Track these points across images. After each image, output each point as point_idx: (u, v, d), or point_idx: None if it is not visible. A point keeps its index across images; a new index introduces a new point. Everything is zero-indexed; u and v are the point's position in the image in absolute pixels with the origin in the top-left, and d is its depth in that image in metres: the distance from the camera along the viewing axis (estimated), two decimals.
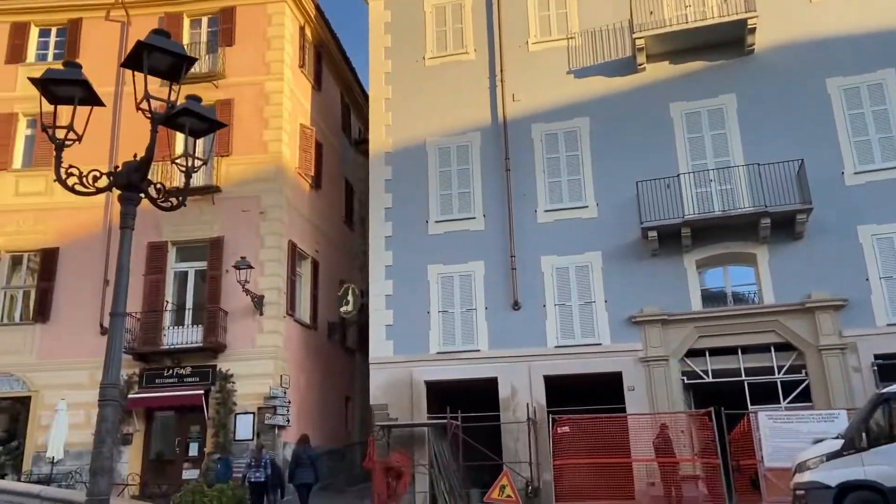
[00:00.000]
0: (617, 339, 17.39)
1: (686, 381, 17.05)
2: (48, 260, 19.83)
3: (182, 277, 20.07)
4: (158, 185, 6.27)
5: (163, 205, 6.33)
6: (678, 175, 17.72)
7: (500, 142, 19.62)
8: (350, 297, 21.24)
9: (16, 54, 21.30)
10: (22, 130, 21.03)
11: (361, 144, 27.16)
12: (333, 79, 25.61)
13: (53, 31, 21.81)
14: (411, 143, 20.34)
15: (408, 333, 18.60)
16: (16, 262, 20.21)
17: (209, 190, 20.01)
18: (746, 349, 16.85)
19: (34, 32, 21.64)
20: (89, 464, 17.14)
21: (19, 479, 16.90)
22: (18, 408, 18.98)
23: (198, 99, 6.53)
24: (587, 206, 18.75)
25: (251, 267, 18.62)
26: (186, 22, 21.69)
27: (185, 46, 18.98)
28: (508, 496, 15.37)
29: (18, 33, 21.42)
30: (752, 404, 16.20)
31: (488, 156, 19.65)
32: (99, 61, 19.53)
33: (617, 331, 17.44)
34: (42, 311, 19.43)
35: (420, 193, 19.77)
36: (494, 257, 18.76)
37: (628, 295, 17.49)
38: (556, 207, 18.85)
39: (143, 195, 6.11)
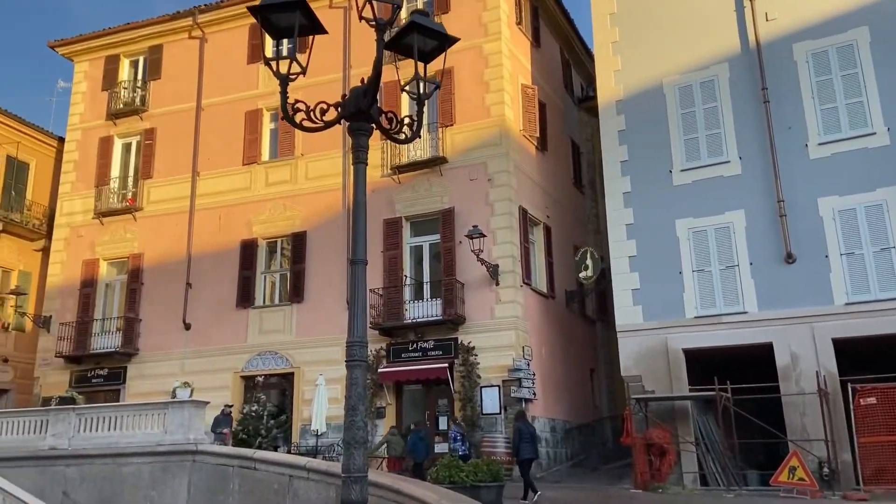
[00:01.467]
0: None
1: None
2: (298, 243, 20.92)
3: (417, 252, 20.07)
4: (390, 114, 5.33)
5: (396, 136, 5.40)
6: None
7: (753, 71, 16.87)
8: (589, 262, 19.78)
9: (255, 53, 22.73)
10: (267, 125, 22.42)
11: (585, 102, 25.45)
12: (552, 34, 24.14)
13: None
14: (645, 86, 18.28)
15: (658, 297, 16.72)
16: (271, 247, 21.63)
17: (436, 162, 19.72)
18: None
19: None
20: (381, 442, 17.79)
21: (289, 451, 17.93)
22: (284, 383, 20.29)
23: (425, 13, 5.50)
24: (874, 133, 15.46)
25: (483, 235, 17.95)
26: None
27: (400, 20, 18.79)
28: (801, 479, 13.00)
29: (256, 34, 22.83)
30: None
31: (740, 89, 17.01)
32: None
33: None
34: (296, 292, 20.55)
35: (660, 141, 17.69)
36: (757, 204, 16.16)
37: None
38: (834, 138, 15.76)
39: (373, 125, 5.19)
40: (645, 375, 16.61)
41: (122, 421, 13.52)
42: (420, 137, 5.82)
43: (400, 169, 20.08)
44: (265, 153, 22.16)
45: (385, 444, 16.78)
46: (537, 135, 20.95)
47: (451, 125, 19.99)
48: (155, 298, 21.78)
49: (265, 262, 21.53)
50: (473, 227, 17.99)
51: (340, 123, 5.18)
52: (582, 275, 20.22)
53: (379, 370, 18.61)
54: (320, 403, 18.22)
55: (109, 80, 24.06)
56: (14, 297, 22.97)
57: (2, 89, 63.30)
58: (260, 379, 20.02)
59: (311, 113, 5.11)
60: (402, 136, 5.40)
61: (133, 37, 23.89)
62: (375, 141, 21.10)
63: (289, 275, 20.96)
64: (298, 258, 20.81)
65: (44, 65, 67.41)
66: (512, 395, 17.37)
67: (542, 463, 17.90)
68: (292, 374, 20.08)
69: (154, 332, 21.53)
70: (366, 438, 4.75)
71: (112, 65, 24.23)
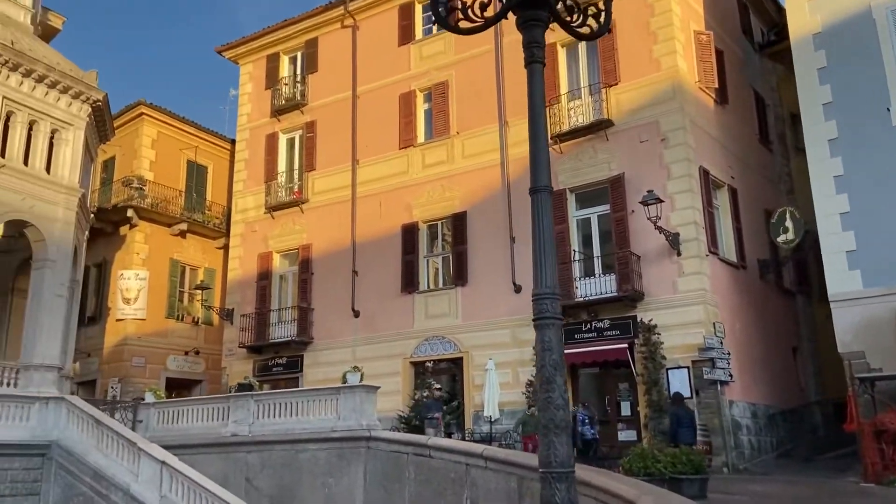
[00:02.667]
0: None
1: None
2: (459, 224, 20.22)
3: (584, 225, 18.61)
4: (569, 1, 4.09)
5: (579, 31, 4.15)
6: None
7: None
8: (789, 223, 17.25)
9: (406, 35, 22.32)
10: (420, 106, 21.93)
11: (768, 48, 22.50)
12: None
13: None
14: (848, 14, 15.58)
15: (882, 259, 14.10)
16: (432, 230, 21.13)
17: (601, 126, 18.13)
18: None
19: (419, 10, 22.41)
20: (518, 422, 16.86)
21: (463, 438, 17.26)
22: (454, 368, 19.71)
23: None
24: None
25: (660, 201, 16.15)
26: None
27: None
28: None
29: (405, 14, 22.42)
30: None
31: None
32: None
33: None
34: (460, 274, 19.87)
35: (873, 76, 15.00)
36: None
37: None
38: None
39: (549, 15, 3.98)
40: (869, 351, 14.08)
41: (297, 407, 13.48)
42: (609, 32, 4.45)
43: (561, 137, 18.70)
44: (420, 135, 21.69)
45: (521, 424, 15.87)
46: (715, 86, 18.63)
47: (615, 84, 18.29)
48: (325, 287, 22.09)
49: (427, 246, 21.06)
50: (648, 192, 16.26)
51: (507, 17, 4.01)
52: (781, 239, 17.70)
53: None
54: (491, 388, 17.40)
55: (271, 78, 24.78)
56: (200, 292, 24.36)
57: (177, 97, 69.61)
58: (429, 364, 19.56)
59: (469, 10, 4.00)
60: (587, 31, 4.14)
61: (290, 33, 24.40)
62: None
63: (451, 257, 20.33)
64: (460, 240, 20.11)
65: (215, 70, 73.13)
66: (704, 376, 15.46)
67: (745, 453, 15.83)
68: (461, 358, 19.43)
69: (326, 321, 21.83)
70: (568, 421, 3.59)
71: (273, 63, 24.95)
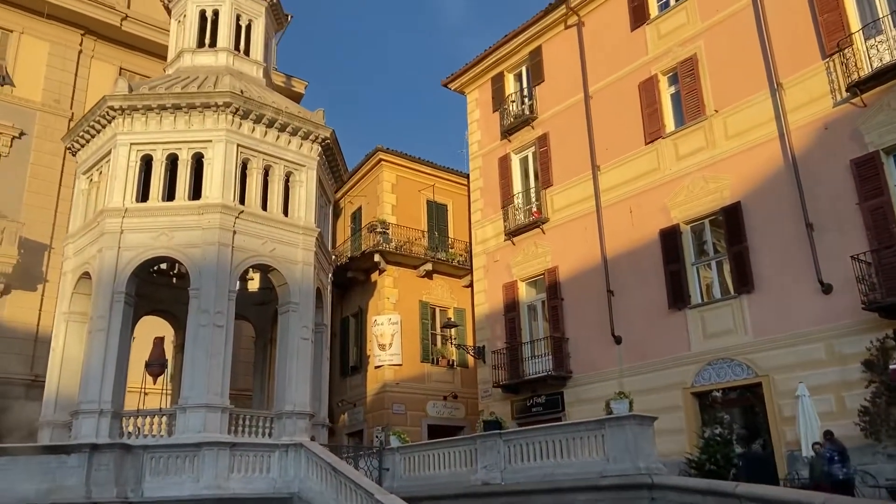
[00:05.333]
0: None
1: None
2: (732, 219, 16.51)
3: None
4: None
5: None
6: None
7: None
8: None
9: (638, 16, 19.51)
10: (665, 90, 18.80)
11: None
12: None
13: None
14: None
15: None
16: (697, 231, 17.61)
17: None
18: None
19: None
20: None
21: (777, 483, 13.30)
22: (750, 397, 15.74)
23: None
24: None
25: None
26: None
27: None
28: None
29: None
30: None
31: None
32: None
33: None
34: (742, 279, 16.04)
35: None
36: None
37: None
38: None
39: None
40: None
41: (555, 447, 10.98)
42: None
43: (861, 86, 14.38)
44: (669, 123, 18.49)
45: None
46: None
47: None
48: (577, 313, 19.52)
49: (694, 251, 17.54)
50: None
51: None
52: None
53: (891, 367, 12.86)
54: (808, 421, 13.36)
55: (498, 99, 23.42)
56: (451, 332, 23.23)
57: (409, 138, 72.98)
58: (717, 394, 15.89)
59: None
60: None
61: (512, 48, 22.91)
62: (816, 63, 15.75)
63: (727, 260, 16.60)
64: (736, 237, 16.35)
65: (443, 104, 75.84)
66: None
67: None
68: (758, 384, 15.43)
69: (583, 351, 19.17)
70: None
71: (498, 84, 23.60)
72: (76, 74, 22.43)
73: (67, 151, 18.43)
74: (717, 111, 17.24)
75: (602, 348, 18.61)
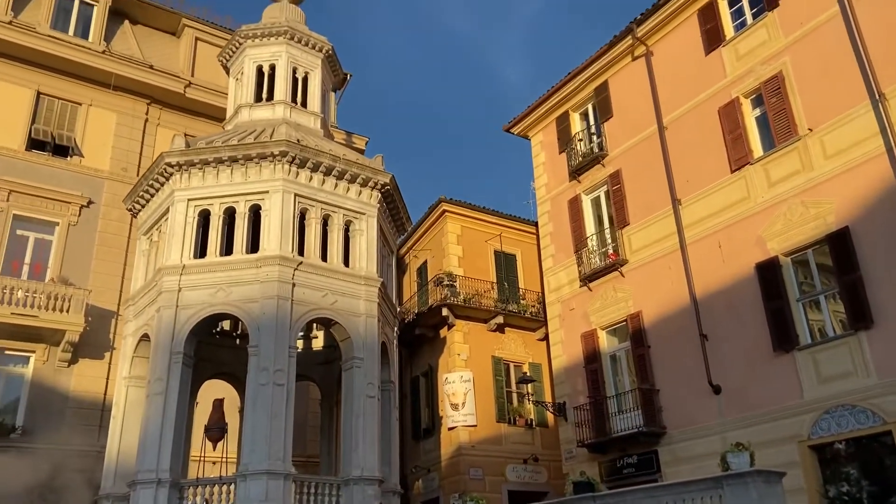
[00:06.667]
0: None
1: None
2: (839, 246, 14.68)
3: None
4: None
5: None
6: None
7: None
8: None
9: (713, 39, 18.28)
10: (749, 113, 17.33)
11: None
12: None
13: None
14: None
15: None
16: (799, 263, 15.79)
17: None
18: None
19: (723, 5, 18.37)
20: None
21: None
22: (879, 448, 13.56)
23: None
24: None
25: None
26: None
27: None
28: None
29: (707, 16, 18.51)
30: None
31: None
32: None
33: None
34: (858, 313, 14.09)
35: None
36: None
37: None
38: None
39: None
40: None
41: None
42: None
43: None
44: (756, 148, 16.96)
45: None
46: None
47: None
48: (667, 361, 17.73)
49: (797, 285, 15.69)
50: None
51: None
52: None
53: None
54: None
55: (563, 140, 22.37)
56: (527, 387, 21.66)
57: (472, 189, 72.24)
58: (840, 446, 13.77)
59: None
60: None
61: (575, 86, 21.95)
62: None
63: (839, 293, 14.70)
64: (846, 266, 14.49)
65: (506, 150, 75.07)
66: None
67: None
68: (887, 433, 13.31)
69: (677, 403, 17.29)
70: None
71: (563, 124, 22.61)
72: (142, 142, 22.69)
73: (129, 213, 18.30)
74: (811, 130, 15.66)
75: (698, 399, 16.71)
